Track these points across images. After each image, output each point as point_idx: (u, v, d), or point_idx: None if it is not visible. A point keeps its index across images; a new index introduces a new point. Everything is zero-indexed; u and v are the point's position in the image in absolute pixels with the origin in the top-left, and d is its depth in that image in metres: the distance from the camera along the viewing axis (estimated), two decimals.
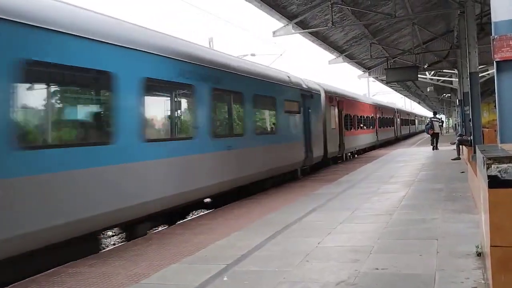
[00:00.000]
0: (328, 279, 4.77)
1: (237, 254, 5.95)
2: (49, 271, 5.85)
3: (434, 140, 24.57)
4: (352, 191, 11.28)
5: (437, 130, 24.74)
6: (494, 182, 3.49)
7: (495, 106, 6.26)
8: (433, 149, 24.32)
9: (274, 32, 17.77)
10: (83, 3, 7.55)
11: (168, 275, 5.38)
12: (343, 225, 7.44)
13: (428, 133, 25.25)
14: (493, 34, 5.65)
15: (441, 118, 41.37)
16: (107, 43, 7.25)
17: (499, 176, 3.48)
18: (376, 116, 33.08)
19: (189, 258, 6.01)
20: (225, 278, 5.08)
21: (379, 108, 35.24)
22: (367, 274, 4.86)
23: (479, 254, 5.04)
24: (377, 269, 4.99)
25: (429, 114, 51.69)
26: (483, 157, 3.61)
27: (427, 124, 25.36)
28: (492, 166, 3.48)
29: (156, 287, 5.03)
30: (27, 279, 5.58)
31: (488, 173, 3.49)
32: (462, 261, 4.98)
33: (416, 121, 72.45)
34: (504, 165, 3.46)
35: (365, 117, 29.27)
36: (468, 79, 14.25)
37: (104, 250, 6.87)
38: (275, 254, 5.96)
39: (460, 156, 17.46)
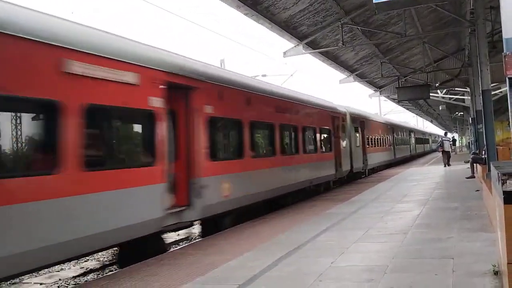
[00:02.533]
0: None
1: (248, 275, 5.90)
2: None
3: (446, 157, 26.16)
4: (365, 211, 11.17)
5: (447, 148, 26.41)
6: (510, 198, 3.43)
7: (508, 124, 6.21)
8: (444, 166, 25.72)
9: (284, 53, 17.93)
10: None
11: None
12: (356, 245, 7.35)
13: (438, 151, 27.63)
14: (504, 51, 5.61)
15: (453, 137, 43.61)
16: None
17: None
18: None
19: (201, 279, 5.97)
20: None
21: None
22: None
23: (496, 273, 4.94)
24: None
25: (442, 133, 52.28)
26: (498, 173, 3.56)
27: (439, 143, 27.23)
28: (508, 181, 3.43)
29: None
30: None
31: (503, 189, 3.43)
32: (479, 280, 4.88)
33: (430, 139, 72.34)
34: None
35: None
36: (481, 97, 14.13)
37: (116, 271, 6.83)
38: (287, 274, 5.89)
39: (475, 175, 17.25)
